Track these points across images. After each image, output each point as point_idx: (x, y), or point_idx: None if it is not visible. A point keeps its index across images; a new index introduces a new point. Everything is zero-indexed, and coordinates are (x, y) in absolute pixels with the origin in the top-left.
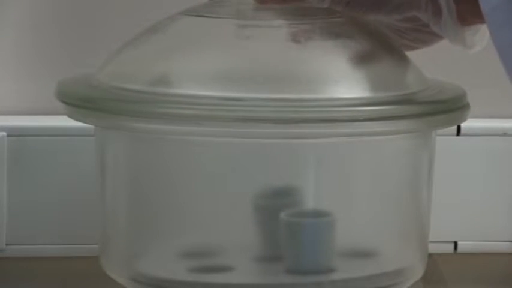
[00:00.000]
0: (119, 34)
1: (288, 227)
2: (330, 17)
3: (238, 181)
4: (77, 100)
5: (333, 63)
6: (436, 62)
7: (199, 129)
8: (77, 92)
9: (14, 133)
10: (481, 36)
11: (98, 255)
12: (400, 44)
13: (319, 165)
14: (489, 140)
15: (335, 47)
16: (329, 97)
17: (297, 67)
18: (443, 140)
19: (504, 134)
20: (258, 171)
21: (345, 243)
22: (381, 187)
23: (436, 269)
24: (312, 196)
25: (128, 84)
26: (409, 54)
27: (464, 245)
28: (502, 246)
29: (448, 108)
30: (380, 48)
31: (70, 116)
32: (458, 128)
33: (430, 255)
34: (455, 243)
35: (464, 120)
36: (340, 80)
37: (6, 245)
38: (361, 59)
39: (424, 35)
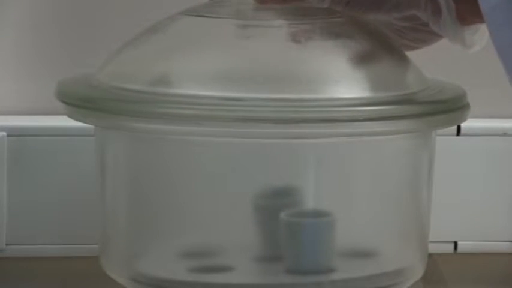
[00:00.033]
0: (119, 34)
1: (288, 227)
2: (330, 17)
3: (238, 181)
4: (77, 100)
5: (333, 63)
6: (436, 62)
7: (199, 129)
8: (77, 92)
9: (14, 133)
10: (480, 35)
11: (98, 255)
12: (400, 44)
13: (319, 165)
14: (489, 140)
15: (335, 47)
16: (329, 97)
17: (297, 67)
18: (443, 140)
19: (504, 134)
20: (258, 171)
21: (345, 243)
22: (381, 187)
23: (436, 269)
24: (312, 196)
25: (128, 84)
26: (409, 54)
27: (464, 245)
28: (502, 246)
29: (448, 108)
30: (380, 48)
31: (70, 116)
32: (458, 128)
33: (430, 255)
34: (455, 243)
35: (464, 120)
36: (340, 80)
37: (6, 245)
38: (361, 59)
39: (424, 35)
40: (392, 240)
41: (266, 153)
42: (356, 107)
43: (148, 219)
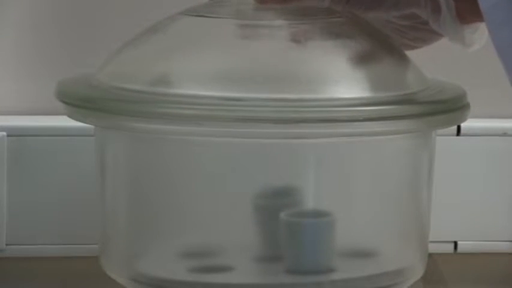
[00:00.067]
0: (119, 34)
1: (288, 227)
2: (330, 17)
3: (238, 181)
4: (77, 100)
5: (333, 63)
6: (436, 62)
7: (199, 129)
8: (77, 92)
9: (14, 133)
10: (480, 34)
11: (98, 255)
12: (400, 43)
13: (319, 165)
14: (489, 140)
15: (335, 47)
16: (329, 97)
17: (297, 67)
18: (443, 140)
19: (504, 134)
20: (258, 171)
21: (345, 243)
22: (381, 187)
23: (436, 269)
24: (312, 196)
25: (128, 84)
26: (409, 54)
27: (464, 245)
28: (502, 246)
29: (448, 108)
30: (380, 48)
31: (70, 116)
32: (458, 128)
33: (430, 255)
34: (455, 243)
35: (464, 120)
36: (340, 80)
37: (6, 245)
38: (361, 59)
39: (424, 33)
40: (392, 240)
41: (266, 153)
42: (356, 107)
43: (148, 219)
